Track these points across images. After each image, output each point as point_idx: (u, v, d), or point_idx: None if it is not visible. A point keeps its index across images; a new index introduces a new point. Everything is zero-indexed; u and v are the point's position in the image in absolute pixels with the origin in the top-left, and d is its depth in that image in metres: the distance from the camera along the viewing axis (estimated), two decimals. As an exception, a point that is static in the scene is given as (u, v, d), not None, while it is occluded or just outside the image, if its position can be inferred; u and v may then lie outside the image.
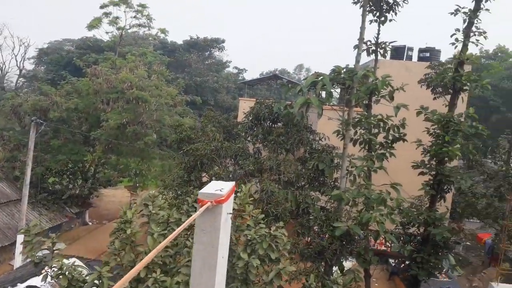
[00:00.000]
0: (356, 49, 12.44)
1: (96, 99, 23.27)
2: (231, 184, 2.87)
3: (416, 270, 14.08)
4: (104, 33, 38.42)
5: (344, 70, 11.70)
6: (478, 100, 46.94)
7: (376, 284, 24.06)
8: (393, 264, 23.00)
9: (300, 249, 11.92)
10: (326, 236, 12.08)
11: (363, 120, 13.54)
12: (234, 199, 6.52)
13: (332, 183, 13.66)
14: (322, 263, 12.20)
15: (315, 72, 10.61)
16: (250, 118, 14.35)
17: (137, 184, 25.54)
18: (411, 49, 25.72)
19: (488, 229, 20.93)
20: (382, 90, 13.27)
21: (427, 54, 24.72)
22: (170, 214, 6.20)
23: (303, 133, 13.44)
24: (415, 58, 25.87)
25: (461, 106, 15.32)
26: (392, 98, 12.35)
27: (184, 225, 2.28)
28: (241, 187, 6.49)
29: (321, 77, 10.27)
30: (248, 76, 66.46)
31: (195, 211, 4.32)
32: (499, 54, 58.33)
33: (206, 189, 2.76)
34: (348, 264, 15.24)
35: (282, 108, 12.07)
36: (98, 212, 30.73)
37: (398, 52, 25.63)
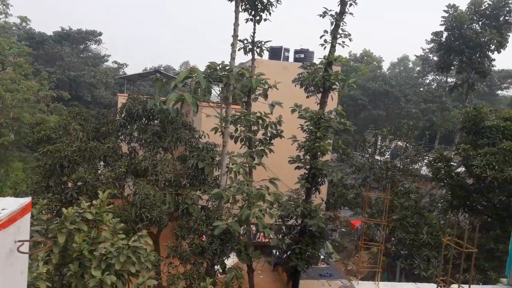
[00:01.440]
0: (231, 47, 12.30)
1: None
2: (20, 203, 2.13)
3: (296, 261, 14.59)
4: None
5: (220, 67, 11.45)
6: (348, 98, 51.73)
7: (261, 276, 24.70)
8: (277, 255, 23.89)
9: (179, 252, 11.41)
10: (206, 236, 11.80)
11: (242, 117, 13.59)
12: (89, 207, 5.73)
13: (213, 181, 13.37)
14: (204, 264, 11.89)
15: (189, 67, 10.13)
16: (123, 115, 13.27)
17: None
18: (287, 50, 26.92)
19: (359, 216, 22.92)
20: (259, 88, 13.53)
21: (302, 55, 26.10)
22: None
23: (180, 130, 12.88)
24: (291, 59, 27.14)
25: (332, 104, 16.37)
26: (266, 96, 12.52)
27: None
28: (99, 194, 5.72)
29: (195, 73, 9.84)
30: (131, 71, 63.02)
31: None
32: (365, 57, 65.18)
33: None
34: (231, 261, 15.26)
35: (156, 104, 11.36)
36: None
37: (276, 53, 26.63)
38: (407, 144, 17.05)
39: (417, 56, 58.74)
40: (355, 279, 26.40)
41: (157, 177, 11.69)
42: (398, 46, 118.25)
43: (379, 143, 18.57)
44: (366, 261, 24.60)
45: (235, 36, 12.00)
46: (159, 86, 11.10)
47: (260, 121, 14.45)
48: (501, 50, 18.70)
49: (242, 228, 13.00)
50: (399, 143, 17.13)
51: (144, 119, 13.35)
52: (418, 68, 60.81)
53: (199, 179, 12.48)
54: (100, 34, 54.83)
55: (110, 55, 60.58)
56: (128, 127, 13.42)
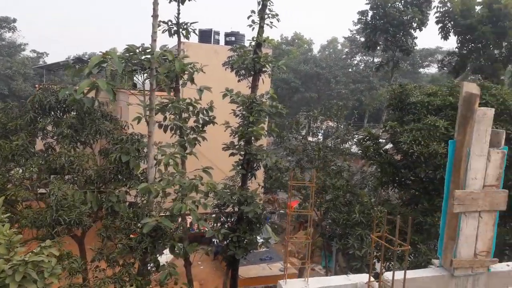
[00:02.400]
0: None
1: None
2: None
3: (233, 249, 14.28)
4: None
5: (140, 50, 10.51)
6: (281, 82, 52.20)
7: (202, 267, 24.27)
8: (217, 244, 23.54)
9: (106, 254, 10.52)
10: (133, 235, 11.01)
11: (170, 104, 12.81)
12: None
13: (141, 175, 12.49)
14: (134, 265, 11.11)
15: (103, 51, 9.10)
16: (34, 108, 11.84)
17: None
18: (217, 33, 26.19)
19: (296, 198, 23.16)
20: (187, 73, 12.78)
21: (233, 38, 25.55)
22: None
23: (100, 122, 11.78)
24: (222, 42, 26.45)
25: (264, 88, 16.05)
26: (192, 81, 11.83)
27: None
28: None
29: (110, 57, 8.88)
30: (54, 60, 58.33)
31: None
32: (297, 40, 65.99)
33: None
34: (166, 258, 14.54)
35: (69, 94, 10.18)
36: None
37: (206, 36, 25.84)
38: (338, 124, 17.27)
39: (345, 38, 60.54)
40: (294, 259, 26.73)
41: (75, 174, 10.59)
42: (329, 29, 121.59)
43: (311, 125, 18.70)
44: (301, 242, 25.06)
45: (154, 16, 11.06)
46: (72, 73, 9.95)
47: (191, 108, 13.76)
48: (423, 28, 19.67)
49: (177, 222, 12.40)
50: (330, 123, 17.32)
51: (58, 111, 12.02)
52: (346, 50, 62.76)
53: (125, 174, 11.54)
54: (15, 20, 49.98)
55: (27, 44, 55.60)
56: (41, 120, 12.03)
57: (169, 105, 12.84)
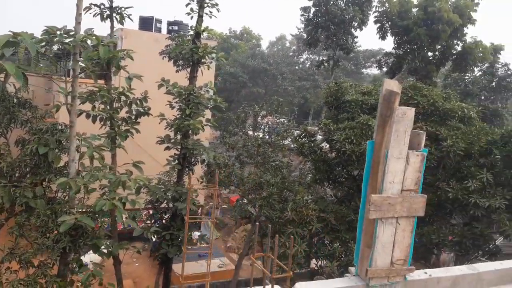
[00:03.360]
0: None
1: None
2: None
3: (166, 247, 13.74)
4: None
5: (61, 32, 9.56)
6: (229, 76, 51.72)
7: (137, 264, 23.36)
8: (154, 241, 22.69)
9: (18, 254, 9.57)
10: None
11: (97, 93, 11.95)
12: None
13: (62, 168, 11.51)
14: (52, 266, 10.22)
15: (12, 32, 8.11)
16: None
17: None
18: (159, 21, 25.19)
19: (238, 192, 22.91)
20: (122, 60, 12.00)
21: (176, 28, 24.67)
22: None
23: (15, 109, 10.67)
24: (164, 30, 25.47)
25: (208, 80, 15.54)
26: (118, 68, 11.08)
27: None
28: None
29: (21, 38, 7.93)
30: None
31: None
32: (245, 35, 65.66)
33: None
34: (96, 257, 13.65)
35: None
36: None
37: (147, 23, 24.78)
38: (279, 120, 17.17)
39: (292, 35, 61.15)
40: (234, 254, 26.44)
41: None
42: (279, 25, 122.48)
43: (253, 120, 18.47)
44: (241, 238, 24.94)
45: (79, -4, 10.12)
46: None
47: (123, 98, 12.96)
48: (363, 27, 20.05)
49: (102, 220, 11.61)
50: (271, 119, 17.18)
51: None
52: (294, 47, 63.42)
53: (43, 167, 10.54)
54: None
55: None
56: None
57: (97, 93, 12.01)
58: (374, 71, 59.64)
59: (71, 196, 10.41)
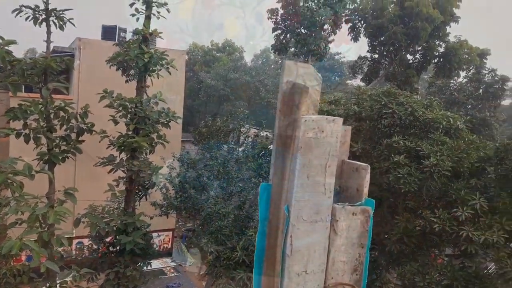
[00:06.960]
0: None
1: None
2: None
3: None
4: None
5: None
6: (211, 89, 50.09)
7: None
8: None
9: None
10: None
11: (29, 108, 10.24)
12: None
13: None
14: None
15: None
16: None
17: None
18: (124, 30, 23.53)
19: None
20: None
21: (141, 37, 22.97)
22: None
23: None
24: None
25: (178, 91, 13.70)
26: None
27: None
28: None
29: None
30: None
31: None
32: (227, 47, 64.12)
33: None
34: None
35: None
36: None
37: (110, 33, 23.14)
38: (246, 133, 15.30)
39: (271, 46, 59.78)
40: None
41: None
42: (265, 38, 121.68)
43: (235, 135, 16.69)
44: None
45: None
46: None
47: (62, 113, 11.12)
48: (337, 31, 18.26)
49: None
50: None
51: None
52: (278, 59, 61.96)
53: None
54: None
55: None
56: None
57: (29, 108, 10.22)
58: (358, 81, 58.49)
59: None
